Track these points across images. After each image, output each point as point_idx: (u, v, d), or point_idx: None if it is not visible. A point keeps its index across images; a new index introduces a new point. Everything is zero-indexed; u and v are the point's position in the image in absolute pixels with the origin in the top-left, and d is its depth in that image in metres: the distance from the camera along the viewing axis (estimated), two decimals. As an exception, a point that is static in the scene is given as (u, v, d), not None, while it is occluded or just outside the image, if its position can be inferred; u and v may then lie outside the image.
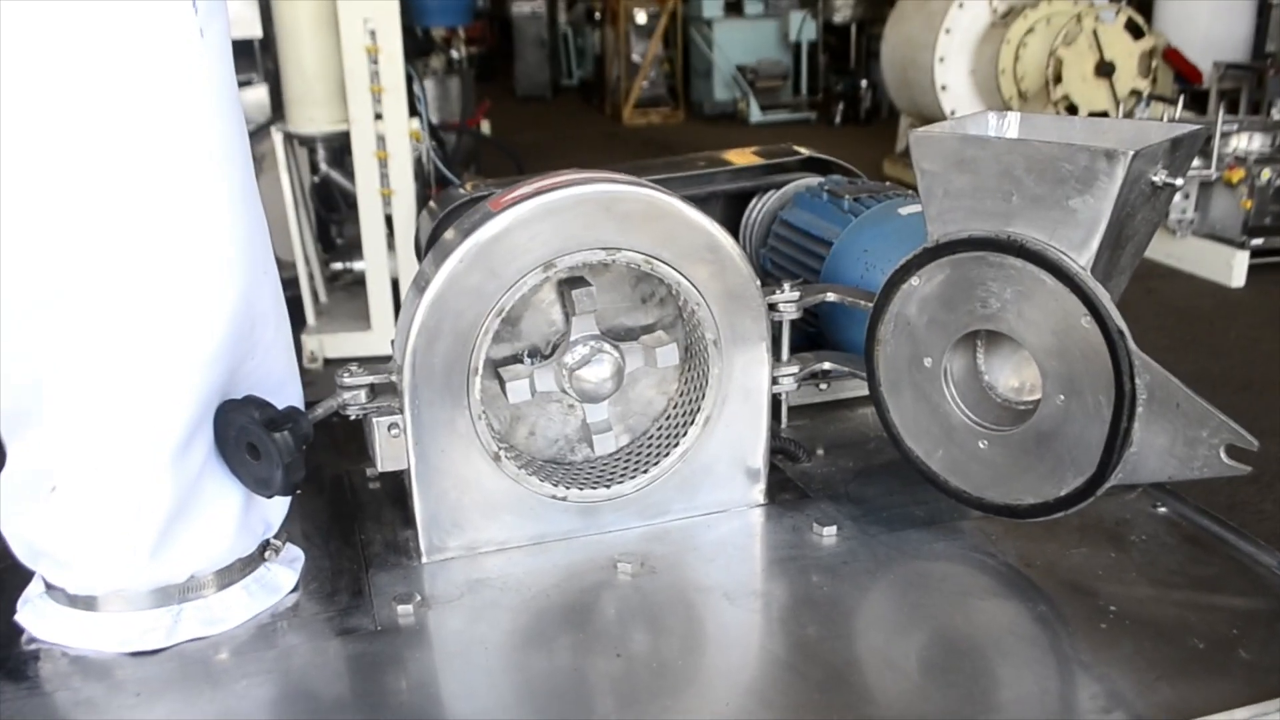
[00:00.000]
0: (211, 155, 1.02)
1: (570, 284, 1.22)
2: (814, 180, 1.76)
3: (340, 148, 5.33)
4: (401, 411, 1.17)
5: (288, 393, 1.19)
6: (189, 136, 1.00)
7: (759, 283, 1.27)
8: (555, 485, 1.26)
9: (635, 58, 13.06)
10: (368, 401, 1.19)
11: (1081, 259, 1.12)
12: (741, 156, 1.92)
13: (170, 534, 1.10)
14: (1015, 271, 1.17)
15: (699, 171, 1.78)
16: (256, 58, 6.67)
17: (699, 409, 1.29)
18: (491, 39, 15.54)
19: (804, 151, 1.87)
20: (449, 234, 1.18)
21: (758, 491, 1.35)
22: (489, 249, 1.14)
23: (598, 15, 14.26)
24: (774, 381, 1.33)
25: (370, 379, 1.18)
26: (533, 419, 1.31)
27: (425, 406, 1.17)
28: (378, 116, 5.13)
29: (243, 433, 1.09)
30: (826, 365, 1.40)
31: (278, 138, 5.34)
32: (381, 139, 5.17)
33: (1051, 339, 1.16)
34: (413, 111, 5.39)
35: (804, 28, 12.75)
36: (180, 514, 1.10)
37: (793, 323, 1.39)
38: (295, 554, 1.26)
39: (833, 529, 1.29)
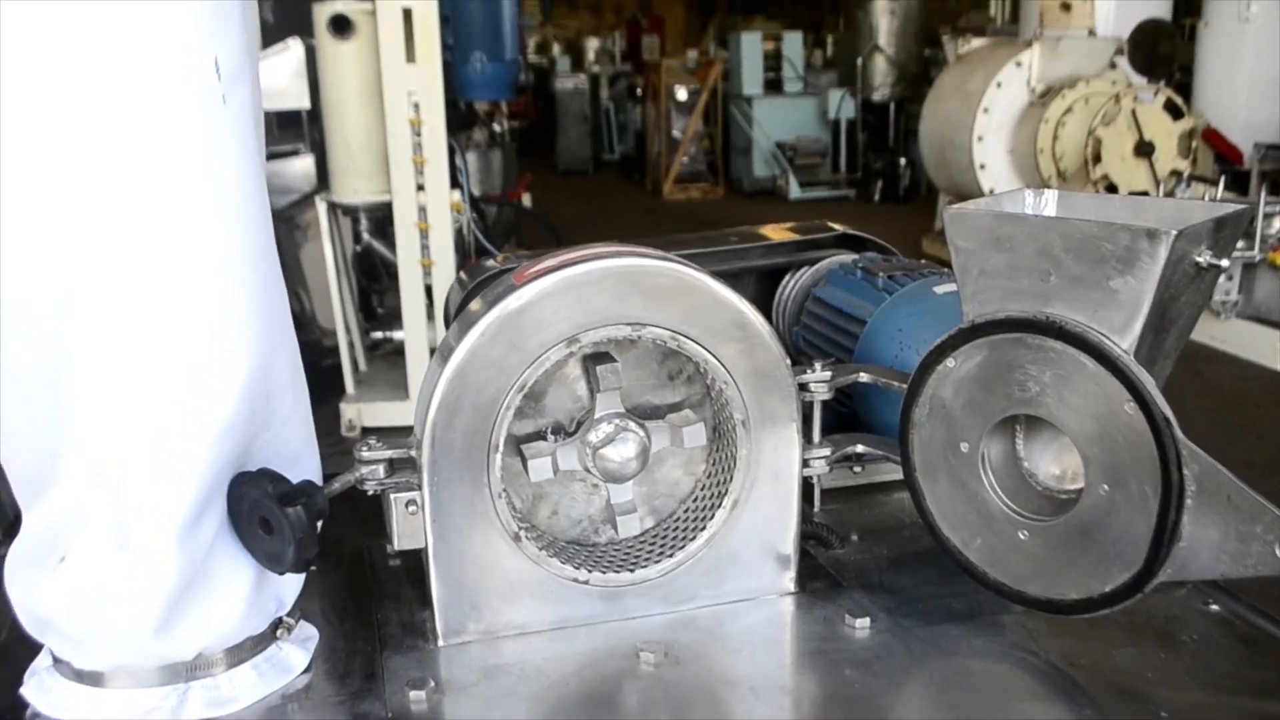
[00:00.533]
0: (231, 223, 1.00)
1: (595, 360, 1.19)
2: (848, 257, 1.73)
3: (382, 218, 5.39)
4: (420, 488, 1.14)
5: (305, 465, 1.16)
6: (208, 204, 0.98)
7: (789, 362, 1.23)
8: (577, 568, 1.21)
9: (676, 134, 13.21)
10: (386, 476, 1.15)
11: (1124, 342, 1.07)
12: (776, 232, 1.89)
13: (178, 610, 1.06)
14: (1054, 354, 1.12)
15: (732, 247, 1.75)
16: (304, 128, 6.80)
17: (726, 492, 1.25)
18: (535, 114, 15.81)
19: (838, 228, 1.84)
20: (473, 306, 1.16)
21: (787, 579, 1.30)
22: (512, 322, 1.11)
23: (639, 91, 14.48)
24: (805, 464, 1.28)
25: (389, 453, 1.15)
26: (555, 498, 1.26)
27: (444, 483, 1.14)
28: (419, 188, 5.19)
29: (256, 507, 1.06)
30: (859, 448, 1.35)
31: (322, 207, 5.40)
32: (423, 210, 5.23)
33: (1093, 425, 1.11)
34: (454, 183, 5.45)
35: (843, 106, 12.86)
36: (189, 590, 1.06)
37: (825, 403, 1.35)
38: (309, 633, 1.21)
39: (866, 621, 1.23)
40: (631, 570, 1.23)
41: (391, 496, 1.15)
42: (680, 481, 1.30)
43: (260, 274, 1.04)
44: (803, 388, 1.28)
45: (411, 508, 1.15)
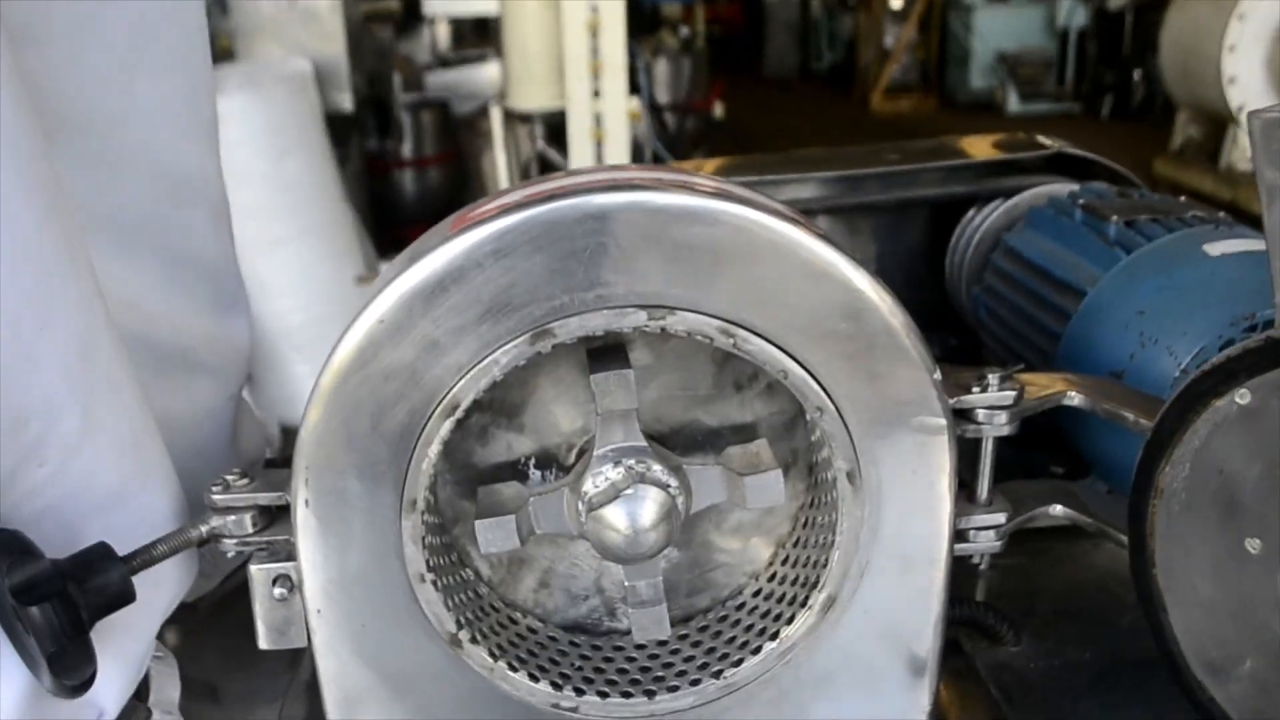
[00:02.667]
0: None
1: (599, 359, 0.68)
2: (1063, 188, 1.13)
3: (558, 126, 4.97)
4: (294, 558, 0.67)
5: (132, 511, 0.70)
6: None
7: (938, 375, 0.68)
8: (559, 687, 0.72)
9: (888, 42, 12.16)
10: (254, 532, 0.69)
11: None
12: (963, 147, 1.30)
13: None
14: None
15: (887, 169, 1.18)
16: (494, 35, 6.42)
17: (817, 583, 0.72)
18: (742, 21, 14.96)
19: (1050, 145, 1.23)
20: (387, 268, 0.66)
21: (917, 715, 0.77)
22: (428, 303, 0.61)
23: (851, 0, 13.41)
24: (960, 537, 0.74)
25: (258, 497, 0.69)
26: (546, 562, 0.77)
27: (333, 553, 0.66)
28: (595, 94, 4.73)
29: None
30: (1058, 510, 0.79)
31: (496, 114, 5.05)
32: (598, 118, 4.77)
33: None
34: (634, 90, 4.96)
35: (1074, 14, 11.44)
36: None
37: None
38: (169, 736, 0.78)
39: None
40: (650, 695, 0.73)
41: (252, 570, 0.68)
42: (746, 552, 0.78)
43: None
44: (962, 415, 0.73)
45: (282, 589, 0.68)
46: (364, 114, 5.02)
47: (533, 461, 0.74)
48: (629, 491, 0.67)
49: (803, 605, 0.72)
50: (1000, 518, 0.75)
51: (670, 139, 5.62)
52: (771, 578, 0.77)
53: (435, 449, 0.64)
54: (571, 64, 4.69)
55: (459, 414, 0.63)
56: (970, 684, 0.84)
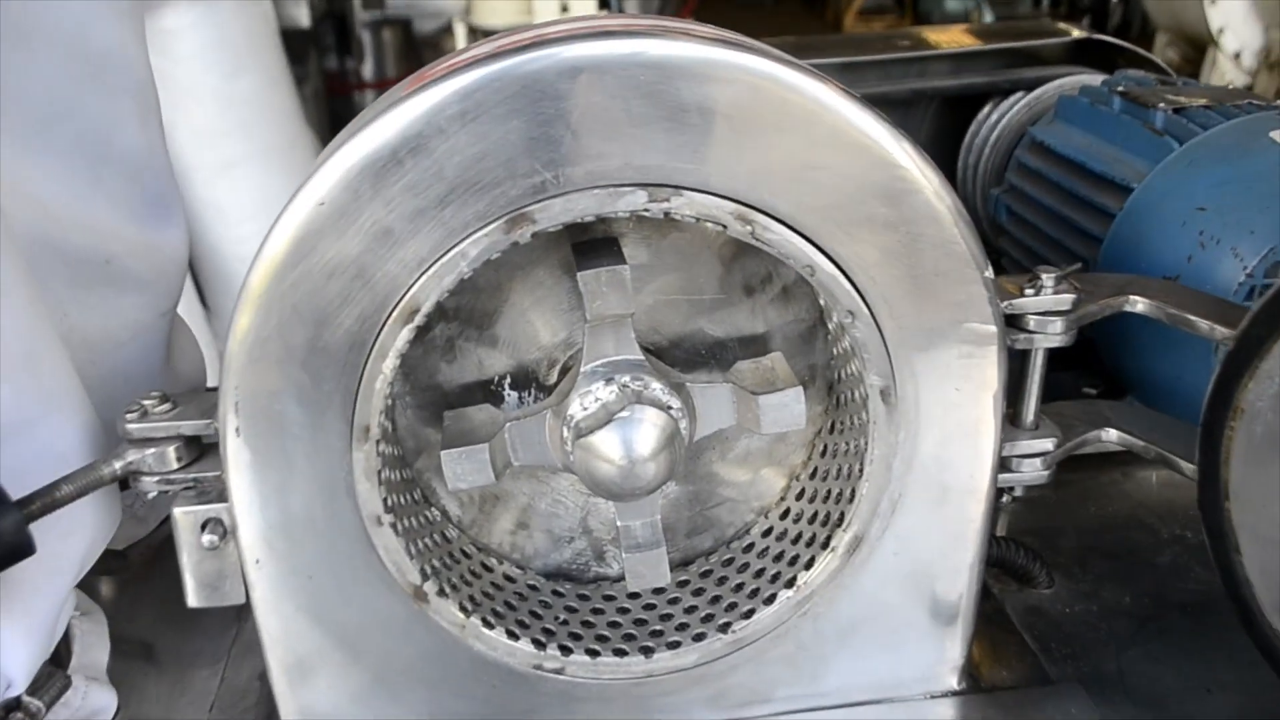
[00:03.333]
0: None
1: (585, 255, 0.56)
2: (1094, 78, 1.02)
3: (525, 43, 4.77)
4: (226, 499, 0.56)
5: (31, 444, 0.59)
6: None
7: (990, 271, 0.58)
8: (543, 646, 0.62)
9: (862, -37, 11.91)
10: (178, 468, 0.58)
11: None
12: (968, 38, 1.19)
13: None
14: None
15: (898, 55, 1.06)
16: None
17: (841, 520, 0.62)
18: (714, -59, 14.62)
19: (1075, 32, 1.12)
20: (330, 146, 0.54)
21: (948, 671, 0.68)
22: (378, 181, 0.49)
23: (827, -83, 13.09)
24: (1002, 466, 0.64)
25: (183, 426, 0.57)
26: (524, 499, 0.66)
27: (272, 493, 0.55)
28: (563, 9, 4.53)
29: None
30: (1111, 434, 0.69)
31: (460, 30, 4.84)
32: (567, 34, 4.59)
33: None
34: (604, 6, 4.78)
35: (1051, -68, 11.26)
36: None
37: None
38: (97, 707, 0.68)
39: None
40: (649, 651, 0.63)
41: (177, 513, 0.57)
42: (754, 485, 0.68)
43: None
44: (1013, 323, 0.62)
45: (212, 536, 0.57)
46: (322, 31, 4.80)
47: (508, 381, 0.63)
48: (623, 414, 0.56)
49: (824, 546, 0.62)
50: (1048, 444, 0.65)
51: (642, 58, 5.45)
52: (785, 515, 0.67)
53: (391, 364, 0.53)
54: (538, -23, 4.50)
55: (419, 320, 0.52)
56: (1002, 631, 0.75)
